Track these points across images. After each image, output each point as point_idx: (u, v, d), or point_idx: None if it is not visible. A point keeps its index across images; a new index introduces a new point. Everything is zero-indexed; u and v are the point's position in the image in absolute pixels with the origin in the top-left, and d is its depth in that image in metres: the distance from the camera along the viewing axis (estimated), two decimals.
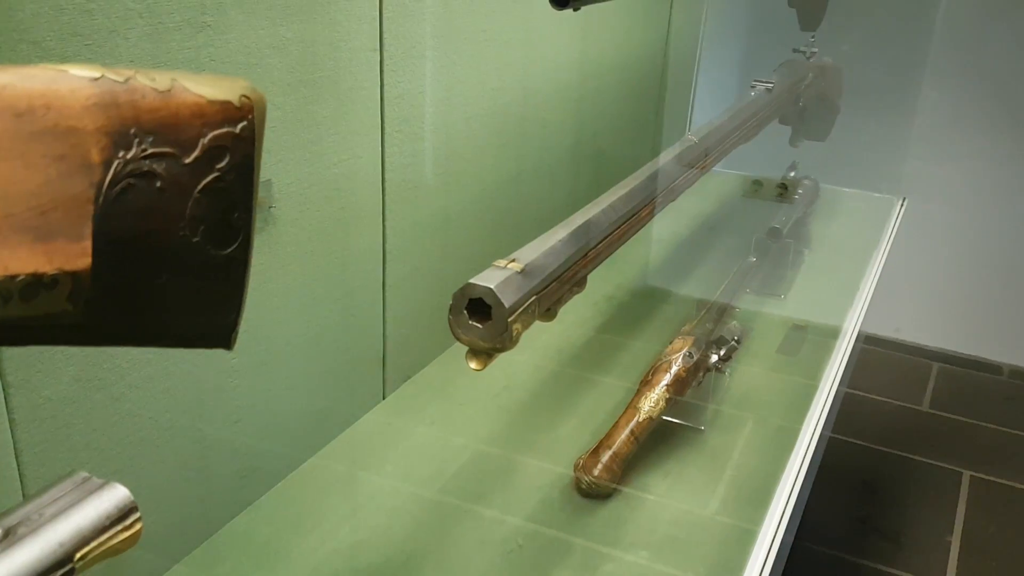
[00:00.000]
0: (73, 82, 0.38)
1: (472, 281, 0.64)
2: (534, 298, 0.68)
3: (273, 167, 0.88)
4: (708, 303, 1.28)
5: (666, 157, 1.08)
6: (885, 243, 1.76)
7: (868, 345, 2.94)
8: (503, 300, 0.63)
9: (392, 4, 1.00)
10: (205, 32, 0.76)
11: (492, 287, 0.63)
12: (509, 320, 0.63)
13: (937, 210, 2.72)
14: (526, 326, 0.67)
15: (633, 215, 0.88)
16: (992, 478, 2.32)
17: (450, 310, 0.64)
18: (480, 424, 1.15)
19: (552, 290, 0.72)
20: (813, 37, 1.72)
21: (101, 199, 0.37)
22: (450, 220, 1.23)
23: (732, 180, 2.00)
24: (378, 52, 1.00)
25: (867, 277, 1.62)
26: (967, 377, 2.86)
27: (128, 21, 0.68)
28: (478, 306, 0.64)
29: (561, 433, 1.14)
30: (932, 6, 2.25)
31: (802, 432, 1.16)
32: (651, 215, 0.93)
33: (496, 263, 0.68)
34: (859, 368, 2.59)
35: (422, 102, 1.10)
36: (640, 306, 1.50)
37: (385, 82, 1.02)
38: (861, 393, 2.69)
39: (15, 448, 0.68)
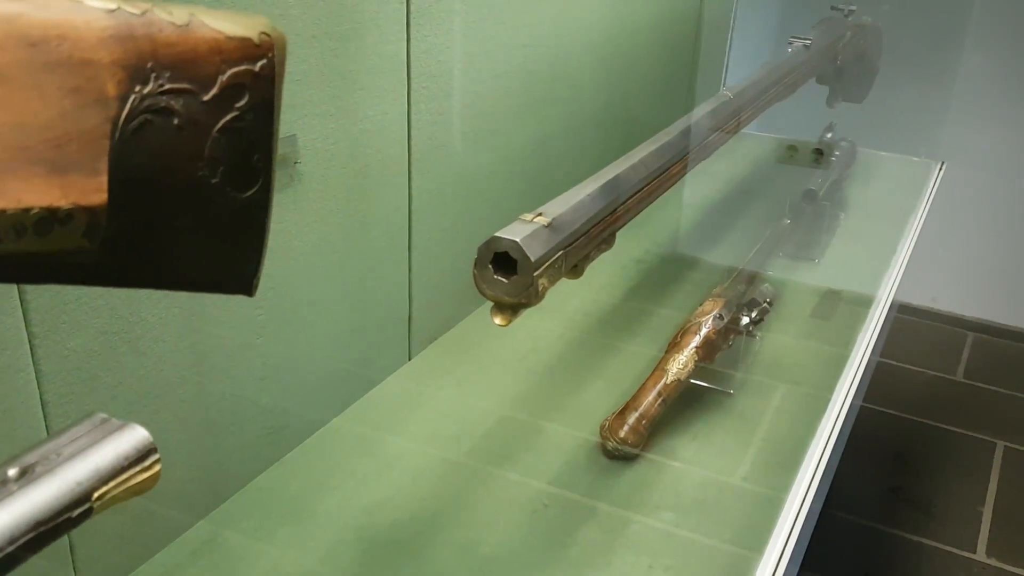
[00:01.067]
0: (89, 13, 0.36)
1: (498, 235, 0.63)
2: (560, 253, 0.66)
3: (298, 122, 0.87)
4: (740, 266, 1.25)
5: (700, 112, 1.05)
6: (922, 209, 1.72)
7: (903, 314, 2.90)
8: (529, 254, 0.61)
9: None
10: None
11: (518, 240, 0.61)
12: (535, 275, 0.62)
13: (976, 176, 2.65)
14: (552, 282, 0.66)
15: (664, 171, 0.86)
16: None
17: (475, 264, 0.63)
18: (506, 387, 1.14)
19: (579, 246, 0.70)
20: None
21: (117, 134, 0.36)
22: (477, 181, 1.22)
23: (767, 143, 1.95)
24: (404, 4, 0.98)
25: (903, 244, 1.58)
26: (1003, 348, 2.80)
27: None
28: (503, 260, 0.62)
29: (587, 397, 1.13)
30: None
31: (833, 399, 1.14)
32: (683, 172, 0.91)
33: (522, 217, 0.66)
34: (893, 337, 2.54)
35: (450, 58, 1.07)
36: (669, 271, 1.48)
37: (412, 36, 1.00)
38: (894, 362, 2.66)
39: (41, 400, 0.68)
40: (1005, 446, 2.30)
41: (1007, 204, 2.76)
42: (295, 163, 0.88)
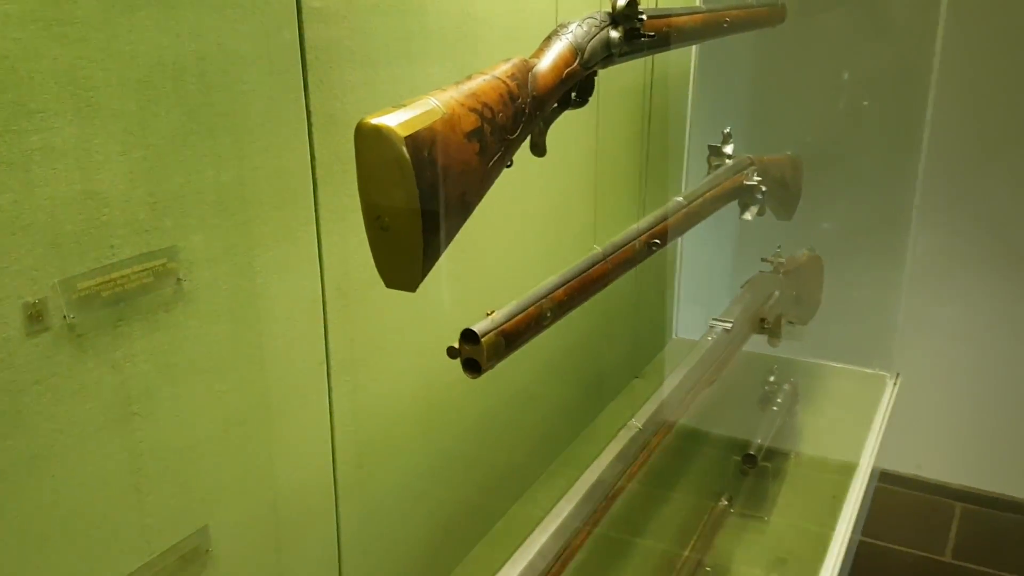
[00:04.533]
0: None
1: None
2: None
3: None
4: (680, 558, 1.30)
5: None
6: (874, 440, 1.77)
7: (886, 483, 2.89)
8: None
9: None
10: None
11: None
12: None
13: (949, 347, 2.70)
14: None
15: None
16: None
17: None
18: None
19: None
20: (780, 247, 1.77)
21: None
22: None
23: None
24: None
25: (854, 489, 1.63)
26: (993, 520, 2.78)
27: None
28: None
29: None
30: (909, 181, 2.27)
31: None
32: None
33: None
34: (875, 511, 2.54)
35: None
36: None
37: None
38: (878, 542, 2.64)
39: None
40: None
41: (987, 371, 2.79)
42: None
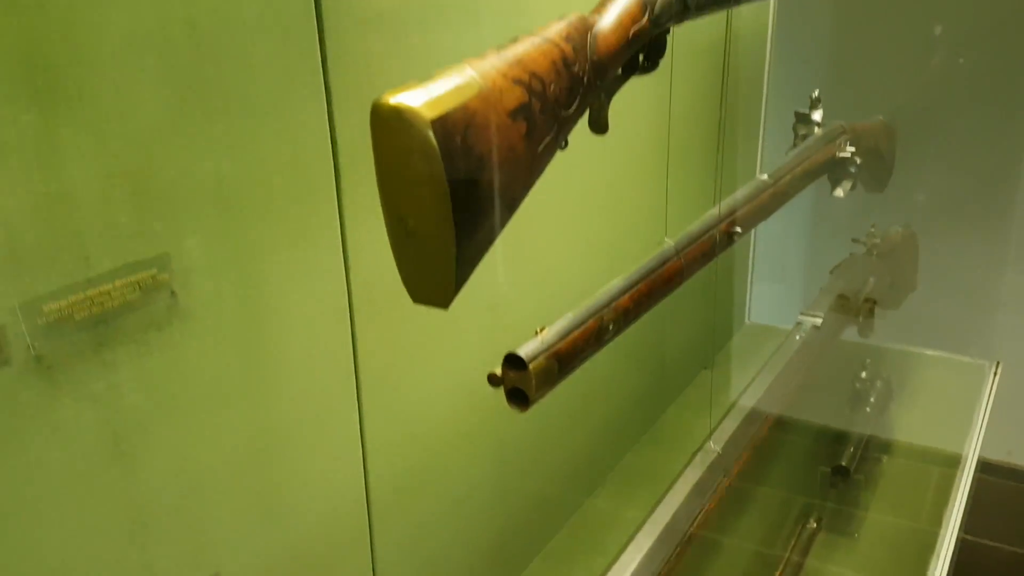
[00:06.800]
0: None
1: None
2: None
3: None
4: None
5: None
6: (973, 446, 1.57)
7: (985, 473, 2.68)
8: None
9: None
10: None
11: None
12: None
13: None
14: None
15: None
16: None
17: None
18: None
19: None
20: (874, 227, 1.56)
21: None
22: None
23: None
24: None
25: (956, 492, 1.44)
26: None
27: None
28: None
29: None
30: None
31: None
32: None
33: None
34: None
35: None
36: None
37: None
38: (970, 537, 2.44)
39: None
40: None
41: None
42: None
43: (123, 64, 0.67)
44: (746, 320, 2.15)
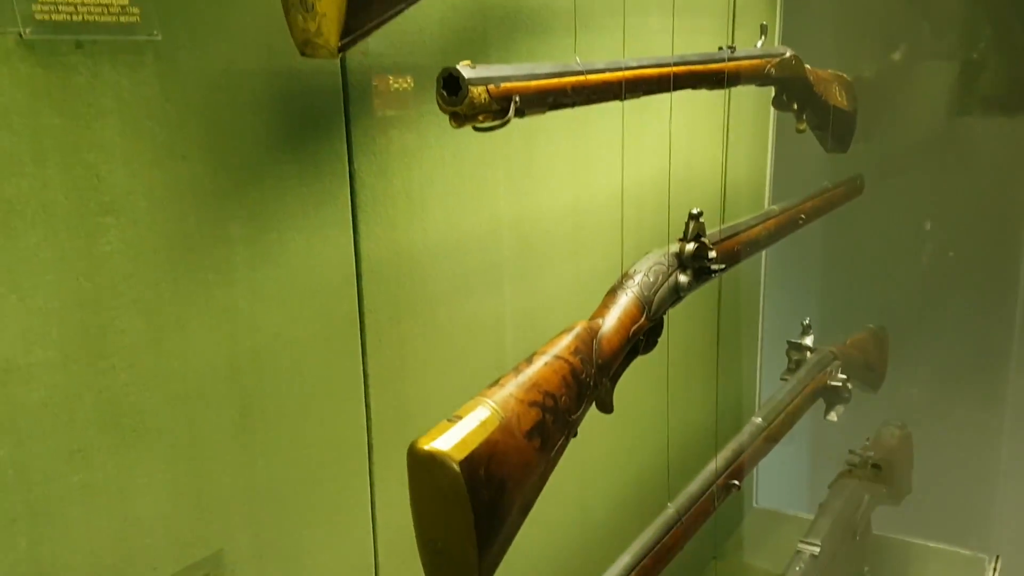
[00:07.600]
0: None
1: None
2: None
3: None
4: None
5: None
6: None
7: None
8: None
9: None
10: None
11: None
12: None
13: None
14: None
15: None
16: None
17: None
18: None
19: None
20: (868, 440, 1.65)
21: None
22: None
23: None
24: None
25: None
26: None
27: None
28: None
29: None
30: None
31: None
32: None
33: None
34: None
35: None
36: None
37: None
38: None
39: None
40: None
41: None
42: None
43: (197, 397, 0.78)
44: (754, 503, 2.20)
